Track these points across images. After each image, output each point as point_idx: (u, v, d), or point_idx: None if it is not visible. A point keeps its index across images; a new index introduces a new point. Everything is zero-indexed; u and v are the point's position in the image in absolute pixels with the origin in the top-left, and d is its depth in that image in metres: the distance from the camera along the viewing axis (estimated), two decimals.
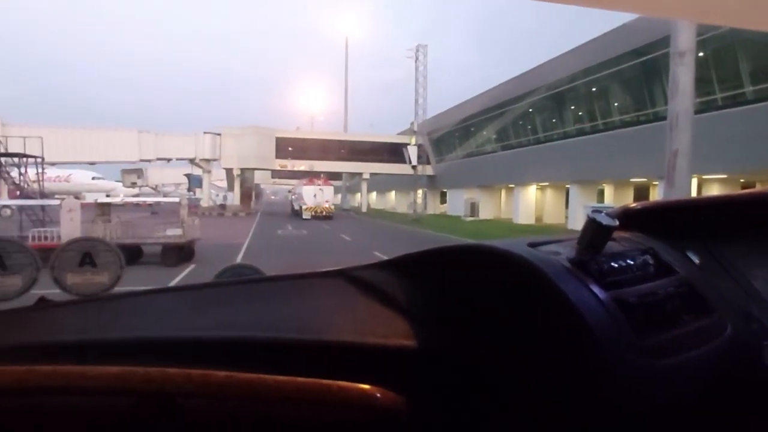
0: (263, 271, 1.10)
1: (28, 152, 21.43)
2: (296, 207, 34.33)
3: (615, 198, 24.35)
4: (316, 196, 31.83)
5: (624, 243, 0.81)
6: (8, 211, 16.29)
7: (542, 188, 30.15)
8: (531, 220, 28.81)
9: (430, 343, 0.72)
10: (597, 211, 0.74)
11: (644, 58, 19.52)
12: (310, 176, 35.23)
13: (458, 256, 0.79)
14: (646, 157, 17.12)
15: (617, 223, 0.73)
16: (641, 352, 0.62)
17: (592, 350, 0.60)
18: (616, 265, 0.72)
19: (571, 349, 0.62)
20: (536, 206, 30.07)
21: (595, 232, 0.73)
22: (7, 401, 0.70)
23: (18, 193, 22.08)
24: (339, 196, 54.46)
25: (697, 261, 0.84)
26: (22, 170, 22.04)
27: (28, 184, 22.26)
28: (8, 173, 22.36)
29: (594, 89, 23.46)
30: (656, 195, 21.90)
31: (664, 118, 10.19)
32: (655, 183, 22.11)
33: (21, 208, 16.23)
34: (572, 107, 25.46)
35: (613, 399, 0.59)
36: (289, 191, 46.19)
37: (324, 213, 31.20)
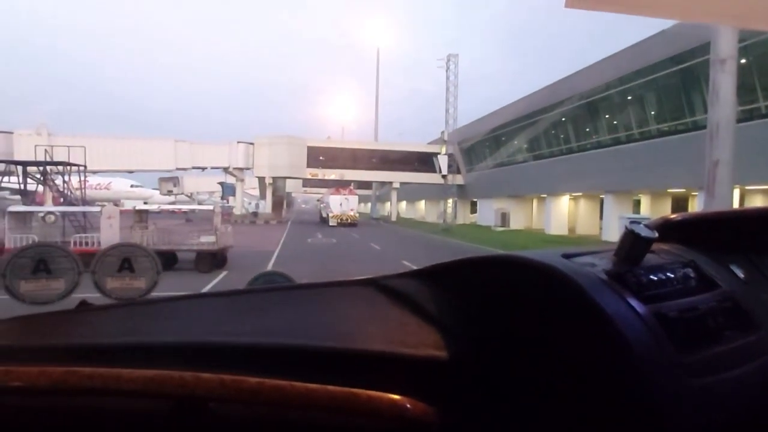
0: (294, 279, 1.12)
1: (71, 161, 22.36)
2: (324, 215, 36.73)
3: (652, 209, 23.69)
4: (342, 205, 34.23)
5: (663, 255, 0.78)
6: (52, 218, 16.94)
7: (575, 198, 29.59)
8: (564, 231, 28.26)
9: (461, 354, 0.72)
10: (635, 222, 0.72)
11: (683, 66, 19.01)
12: (338, 186, 37.17)
13: (490, 266, 0.78)
14: (684, 167, 16.63)
15: (656, 234, 0.71)
16: (682, 368, 0.59)
17: (630, 366, 0.58)
18: (655, 278, 0.69)
19: (607, 364, 0.60)
20: (569, 217, 29.51)
21: (633, 244, 0.71)
22: (47, 401, 0.72)
23: (62, 200, 23.02)
24: (369, 204, 54.95)
25: (741, 274, 0.80)
26: (66, 178, 23.00)
27: (71, 192, 23.20)
28: (53, 181, 23.36)
29: (629, 98, 22.95)
30: (696, 206, 21.20)
31: (703, 127, 9.89)
32: (694, 194, 21.42)
33: (64, 214, 16.85)
34: (607, 116, 24.95)
35: (652, 417, 0.57)
36: (318, 200, 48.53)
37: (349, 220, 33.36)
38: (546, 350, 0.66)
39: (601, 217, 26.05)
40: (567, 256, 0.73)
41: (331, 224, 32.85)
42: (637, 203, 25.81)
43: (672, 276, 0.71)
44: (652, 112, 22.14)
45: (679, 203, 23.92)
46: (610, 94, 23.73)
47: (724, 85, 7.48)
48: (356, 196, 36.30)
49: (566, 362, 0.64)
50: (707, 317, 0.67)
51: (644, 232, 0.70)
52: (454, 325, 0.76)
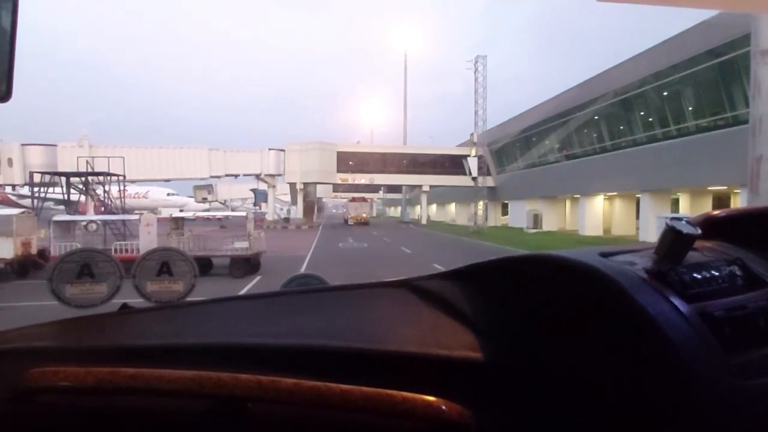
0: (327, 281, 1.13)
1: (111, 171, 23.18)
2: (346, 217, 47.03)
3: (692, 207, 22.93)
4: (357, 209, 44.60)
5: (707, 253, 0.75)
6: (94, 226, 17.57)
7: (610, 198, 28.87)
8: (599, 232, 27.60)
9: (496, 355, 0.71)
10: (677, 218, 0.69)
11: (722, 59, 18.36)
12: (353, 196, 48.50)
13: (526, 266, 0.76)
14: (726, 164, 16.03)
15: (699, 231, 0.68)
16: (730, 370, 0.57)
17: (675, 367, 0.56)
18: (698, 276, 0.67)
19: (651, 366, 0.58)
20: (604, 217, 28.81)
21: (674, 241, 0.68)
22: (93, 400, 0.75)
23: (102, 208, 23.87)
24: (399, 208, 56.77)
25: None
26: (107, 188, 23.85)
27: (111, 201, 24.04)
28: (94, 191, 24.27)
29: (666, 93, 22.29)
30: (738, 204, 20.40)
31: (745, 122, 9.51)
32: (736, 191, 20.63)
33: (105, 222, 17.44)
34: (642, 113, 24.29)
35: (700, 422, 0.55)
36: (343, 206, 60.03)
37: (362, 220, 43.54)
38: (585, 352, 0.65)
39: (637, 217, 25.35)
40: (605, 255, 0.72)
41: (349, 223, 42.85)
42: (676, 202, 25.02)
43: (717, 274, 0.68)
44: (690, 108, 21.44)
45: (721, 201, 23.07)
46: (645, 91, 23.10)
47: (766, 77, 7.18)
48: (367, 203, 49.42)
49: (607, 364, 0.62)
50: (756, 317, 0.64)
51: (686, 229, 0.67)
52: (488, 327, 0.75)
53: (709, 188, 21.90)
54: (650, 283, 0.63)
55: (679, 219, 0.70)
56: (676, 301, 0.61)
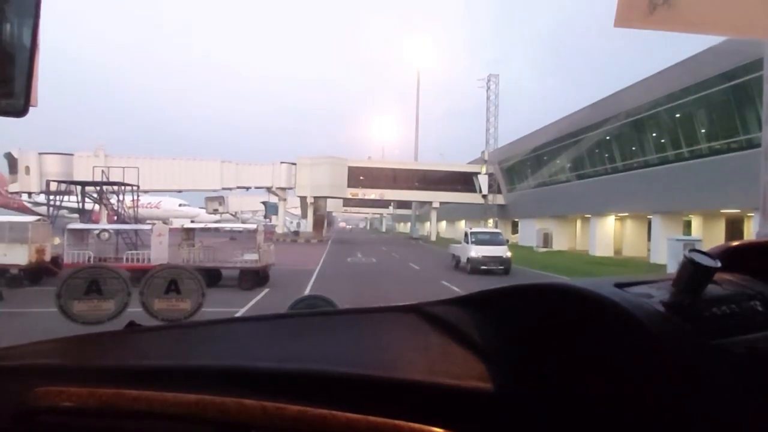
0: (335, 302, 1.12)
1: (126, 181, 23.46)
2: (345, 228, 56.19)
3: (704, 230, 22.67)
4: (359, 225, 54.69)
5: (727, 286, 0.73)
6: (107, 235, 17.73)
7: (621, 219, 28.66)
8: (609, 253, 27.34)
9: (507, 386, 0.69)
10: (695, 250, 0.68)
11: (735, 82, 18.29)
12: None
13: (539, 295, 0.75)
14: (739, 187, 15.87)
15: (719, 264, 0.66)
16: (751, 409, 0.55)
17: (694, 404, 0.54)
18: (718, 311, 0.65)
19: (669, 402, 0.56)
20: (615, 238, 28.57)
21: (693, 274, 0.66)
22: (94, 422, 0.74)
23: (115, 218, 24.10)
24: (408, 224, 58.55)
25: None
26: (120, 197, 24.11)
27: (124, 210, 24.27)
28: (108, 200, 24.53)
29: (678, 115, 22.22)
30: (751, 227, 20.13)
31: (758, 146, 9.43)
32: (750, 215, 20.38)
33: (117, 231, 17.57)
34: (654, 134, 24.21)
35: None
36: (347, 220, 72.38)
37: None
38: (600, 385, 0.63)
39: (649, 239, 25.10)
40: (620, 286, 0.70)
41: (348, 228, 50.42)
42: (688, 224, 24.77)
43: (737, 309, 0.66)
44: (703, 130, 21.34)
45: (734, 224, 22.79)
46: (657, 112, 23.06)
47: None
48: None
49: (623, 399, 0.60)
50: None
51: (706, 261, 0.65)
52: (500, 356, 0.73)
53: (722, 211, 21.68)
54: (667, 317, 0.62)
55: (699, 251, 0.68)
56: (694, 337, 0.59)
